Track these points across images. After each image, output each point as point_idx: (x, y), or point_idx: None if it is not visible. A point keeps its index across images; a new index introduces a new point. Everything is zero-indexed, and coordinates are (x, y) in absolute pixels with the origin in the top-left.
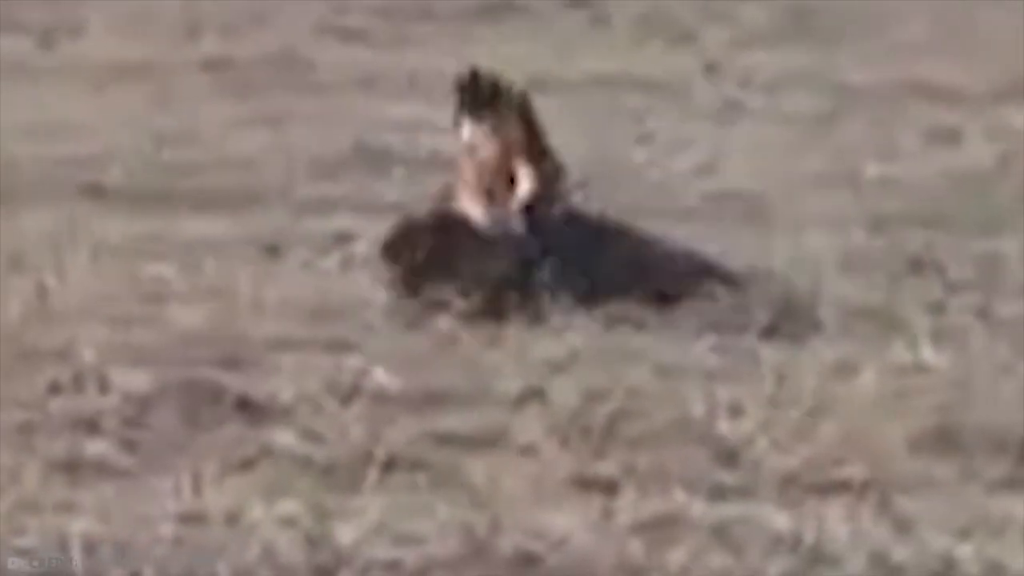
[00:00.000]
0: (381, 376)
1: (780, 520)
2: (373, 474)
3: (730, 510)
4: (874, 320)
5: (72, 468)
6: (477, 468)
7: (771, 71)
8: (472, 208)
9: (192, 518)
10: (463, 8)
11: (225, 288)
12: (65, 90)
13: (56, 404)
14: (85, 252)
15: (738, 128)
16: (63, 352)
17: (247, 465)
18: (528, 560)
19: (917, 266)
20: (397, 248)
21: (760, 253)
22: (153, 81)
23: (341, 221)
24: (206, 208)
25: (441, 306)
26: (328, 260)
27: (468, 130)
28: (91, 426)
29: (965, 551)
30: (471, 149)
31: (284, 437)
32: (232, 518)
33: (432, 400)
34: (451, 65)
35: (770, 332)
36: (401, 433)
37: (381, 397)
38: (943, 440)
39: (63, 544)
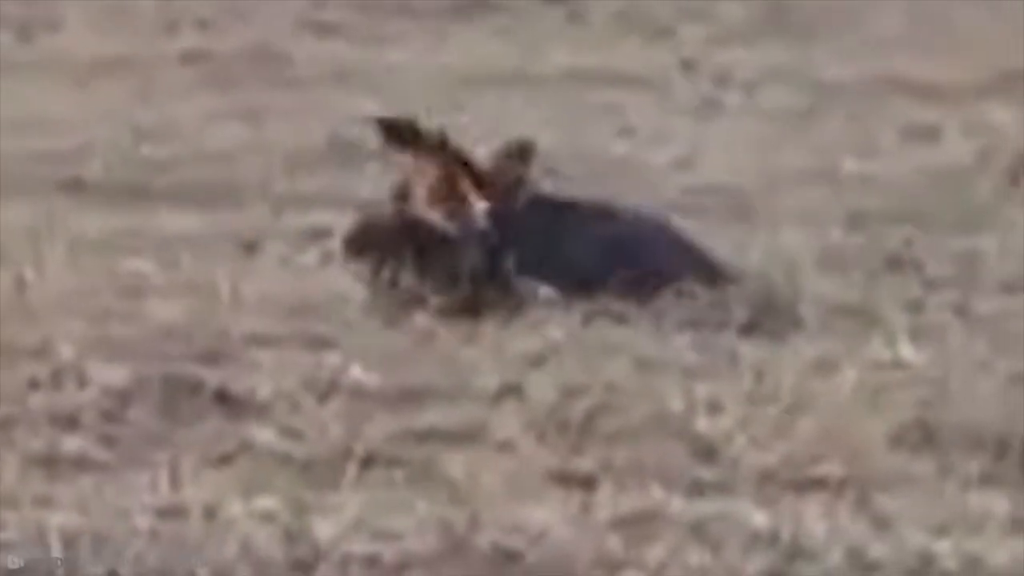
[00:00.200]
0: (359, 372)
1: (758, 517)
2: (351, 470)
3: (708, 506)
4: (853, 317)
5: (51, 463)
6: (455, 464)
7: (749, 67)
8: (431, 214)
9: (170, 512)
10: (440, 4)
11: (203, 283)
12: (44, 84)
13: (35, 399)
14: (63, 246)
15: (716, 124)
16: (41, 347)
17: (226, 460)
18: (507, 556)
19: (895, 263)
20: (358, 244)
21: (739, 249)
22: (132, 75)
23: (319, 216)
24: (185, 203)
25: (418, 302)
26: (306, 256)
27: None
28: (70, 421)
29: (943, 547)
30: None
31: (263, 433)
32: (210, 513)
33: (410, 396)
34: (428, 60)
35: (749, 329)
36: (379, 429)
37: (359, 393)
38: (921, 437)
39: (42, 537)
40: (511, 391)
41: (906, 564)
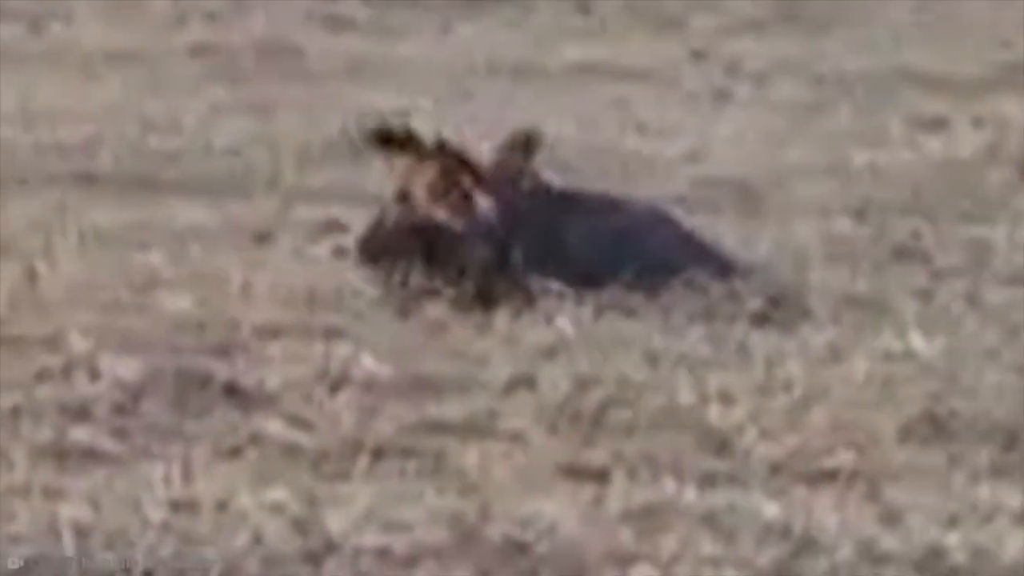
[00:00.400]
0: (370, 364)
1: (770, 509)
2: (362, 462)
3: (720, 498)
4: (862, 308)
5: (62, 455)
6: (466, 456)
7: (758, 59)
8: (435, 212)
9: (182, 505)
10: None
11: (214, 275)
12: (53, 77)
13: (46, 391)
14: (74, 238)
15: (725, 116)
16: (52, 339)
17: (236, 452)
18: (517, 548)
19: (905, 254)
20: (372, 250)
21: (748, 241)
22: (141, 68)
23: (330, 209)
24: (194, 195)
25: (430, 294)
26: (318, 248)
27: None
28: (81, 413)
29: (953, 539)
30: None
31: (273, 425)
32: (222, 505)
33: (421, 388)
34: (438, 53)
35: (759, 321)
36: (390, 421)
37: (370, 385)
38: (932, 428)
39: (53, 530)
40: (522, 383)
41: (916, 556)
